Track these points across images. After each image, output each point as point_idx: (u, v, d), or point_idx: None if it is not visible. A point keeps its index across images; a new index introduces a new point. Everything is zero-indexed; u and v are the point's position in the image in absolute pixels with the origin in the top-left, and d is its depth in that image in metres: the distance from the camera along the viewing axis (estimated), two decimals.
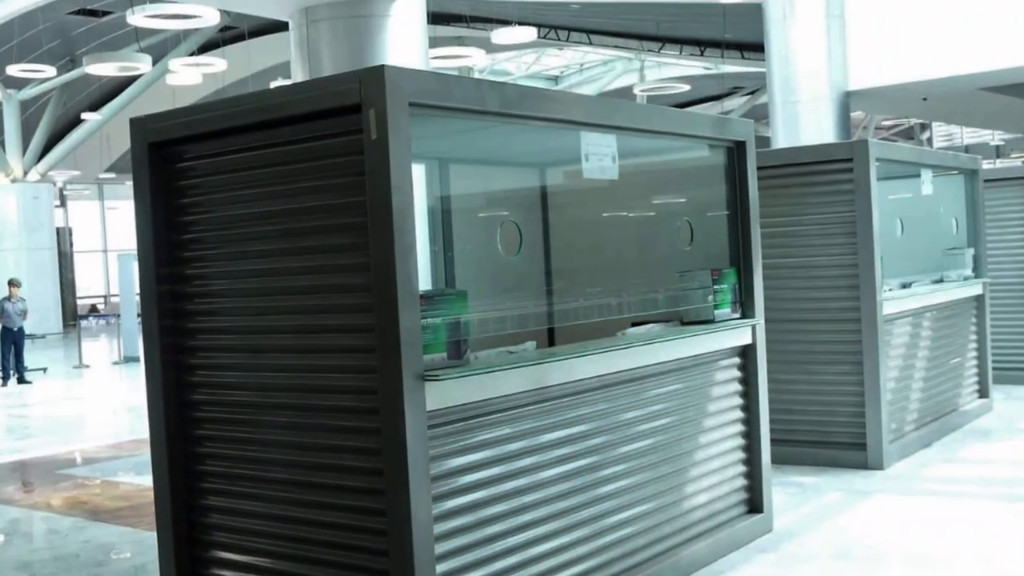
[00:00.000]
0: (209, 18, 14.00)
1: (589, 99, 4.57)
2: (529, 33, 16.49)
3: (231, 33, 20.38)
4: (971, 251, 8.17)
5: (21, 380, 14.63)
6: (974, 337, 8.08)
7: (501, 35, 16.46)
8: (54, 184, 27.05)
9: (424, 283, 3.60)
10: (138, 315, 16.36)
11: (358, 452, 3.44)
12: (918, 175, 7.41)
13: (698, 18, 19.54)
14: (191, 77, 18.82)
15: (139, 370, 14.57)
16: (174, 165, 3.97)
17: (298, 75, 8.04)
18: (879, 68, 11.35)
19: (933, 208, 8.05)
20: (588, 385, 4.12)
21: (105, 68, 16.53)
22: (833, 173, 6.48)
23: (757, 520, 5.04)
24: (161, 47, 20.04)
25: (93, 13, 19.81)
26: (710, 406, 4.87)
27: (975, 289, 8.01)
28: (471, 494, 3.57)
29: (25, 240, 23.72)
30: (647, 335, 4.56)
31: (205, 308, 3.92)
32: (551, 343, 4.97)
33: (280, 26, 18.16)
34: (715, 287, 4.86)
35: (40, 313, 22.49)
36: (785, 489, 5.92)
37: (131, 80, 22.07)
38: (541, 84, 28.06)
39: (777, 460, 5.64)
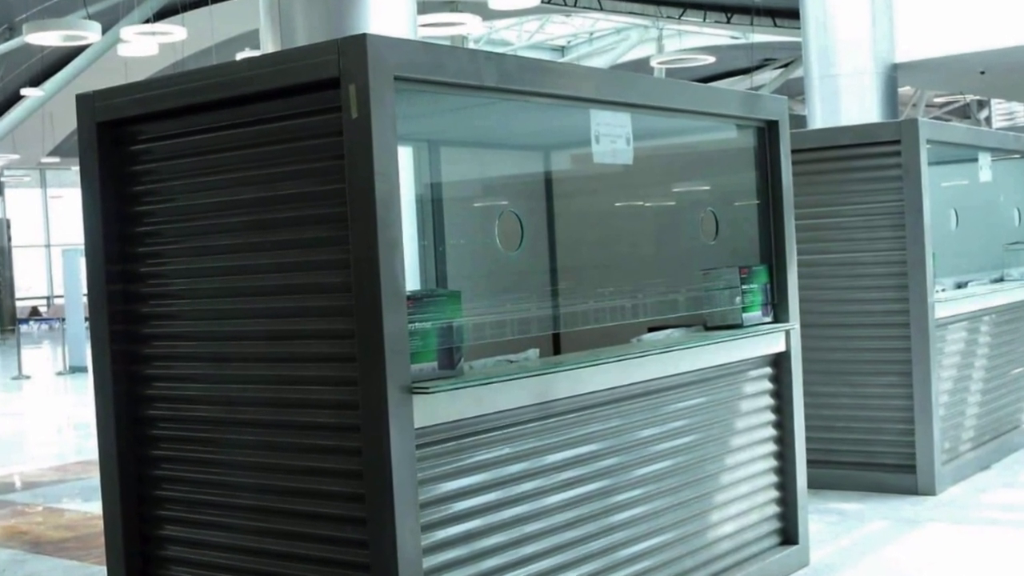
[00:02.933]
0: None
1: (600, 73, 4.58)
2: None
3: None
4: None
5: None
6: None
7: None
8: None
9: (412, 283, 3.61)
10: (86, 319, 16.37)
11: (336, 475, 3.44)
12: (975, 159, 7.41)
13: None
14: (146, 47, 18.81)
15: (87, 382, 14.59)
16: (127, 148, 3.97)
17: (268, 45, 8.03)
18: (931, 37, 11.33)
19: (992, 197, 8.05)
20: (599, 399, 4.12)
21: (48, 37, 16.52)
22: (878, 157, 6.48)
23: (791, 552, 5.04)
24: (112, 13, 20.03)
25: None
26: (738, 423, 4.87)
27: None
28: (465, 523, 3.57)
29: None
30: (666, 342, 4.56)
31: (162, 311, 3.92)
32: (556, 351, 4.96)
33: None
34: (743, 287, 4.86)
35: None
36: (823, 517, 5.92)
37: (78, 51, 22.06)
38: (545, 56, 28.06)
39: (814, 484, 5.64)
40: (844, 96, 11.05)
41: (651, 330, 4.68)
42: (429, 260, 4.96)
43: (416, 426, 3.34)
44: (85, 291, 4.48)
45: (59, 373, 17.51)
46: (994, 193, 8.04)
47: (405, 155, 4.68)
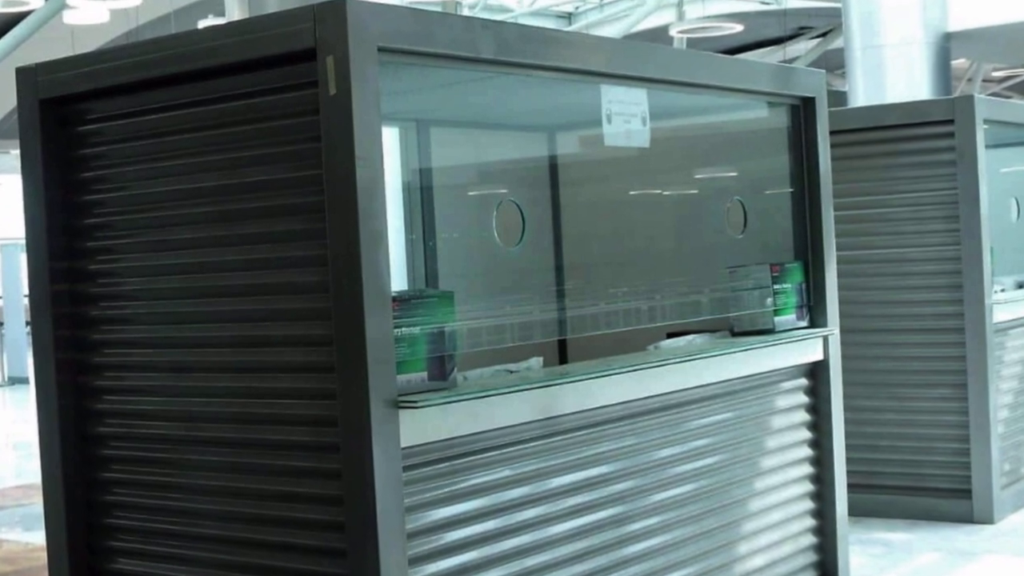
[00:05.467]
0: None
1: (612, 43, 4.58)
2: None
3: None
4: None
5: None
6: None
7: None
8: None
9: (398, 282, 3.61)
10: (27, 323, 16.38)
11: (313, 501, 3.44)
12: None
13: None
14: (95, 14, 18.83)
15: (28, 394, 14.59)
16: (74, 128, 3.98)
17: (234, 12, 8.06)
18: (988, 2, 11.34)
19: None
20: (611, 414, 4.12)
21: None
22: (929, 139, 6.48)
23: None
24: None
25: None
26: (770, 441, 4.88)
27: None
28: (459, 555, 3.57)
29: None
30: (687, 349, 4.56)
31: (114, 314, 3.92)
32: (562, 359, 4.97)
33: None
34: (775, 287, 4.87)
35: None
36: (867, 549, 5.93)
37: (19, 18, 22.07)
38: (550, 24, 28.07)
39: (856, 511, 5.64)
40: (890, 69, 11.04)
41: (670, 336, 4.68)
42: (418, 256, 4.97)
43: (403, 445, 3.34)
44: (26, 291, 4.48)
45: None
46: None
47: (390, 137, 4.69)
